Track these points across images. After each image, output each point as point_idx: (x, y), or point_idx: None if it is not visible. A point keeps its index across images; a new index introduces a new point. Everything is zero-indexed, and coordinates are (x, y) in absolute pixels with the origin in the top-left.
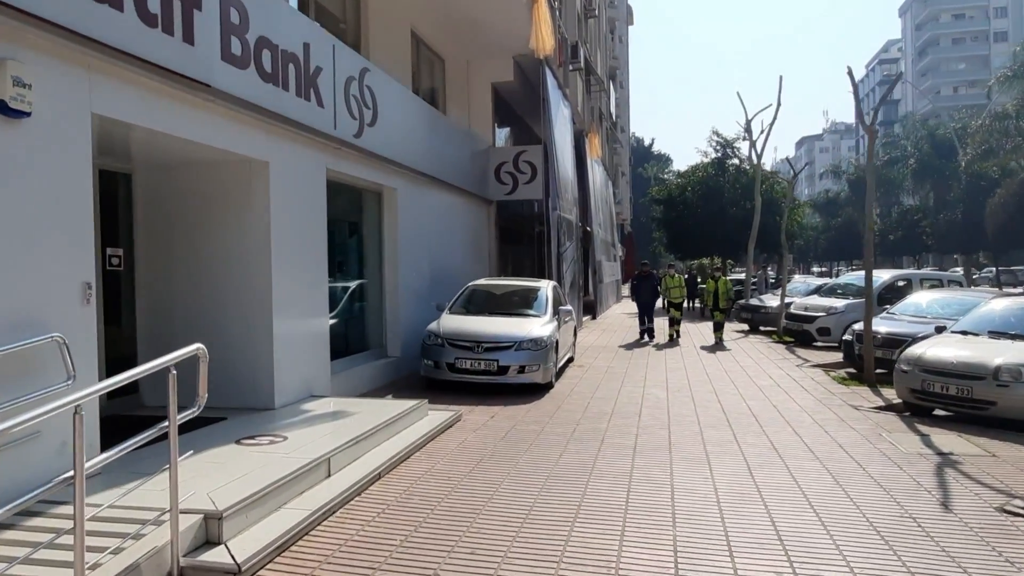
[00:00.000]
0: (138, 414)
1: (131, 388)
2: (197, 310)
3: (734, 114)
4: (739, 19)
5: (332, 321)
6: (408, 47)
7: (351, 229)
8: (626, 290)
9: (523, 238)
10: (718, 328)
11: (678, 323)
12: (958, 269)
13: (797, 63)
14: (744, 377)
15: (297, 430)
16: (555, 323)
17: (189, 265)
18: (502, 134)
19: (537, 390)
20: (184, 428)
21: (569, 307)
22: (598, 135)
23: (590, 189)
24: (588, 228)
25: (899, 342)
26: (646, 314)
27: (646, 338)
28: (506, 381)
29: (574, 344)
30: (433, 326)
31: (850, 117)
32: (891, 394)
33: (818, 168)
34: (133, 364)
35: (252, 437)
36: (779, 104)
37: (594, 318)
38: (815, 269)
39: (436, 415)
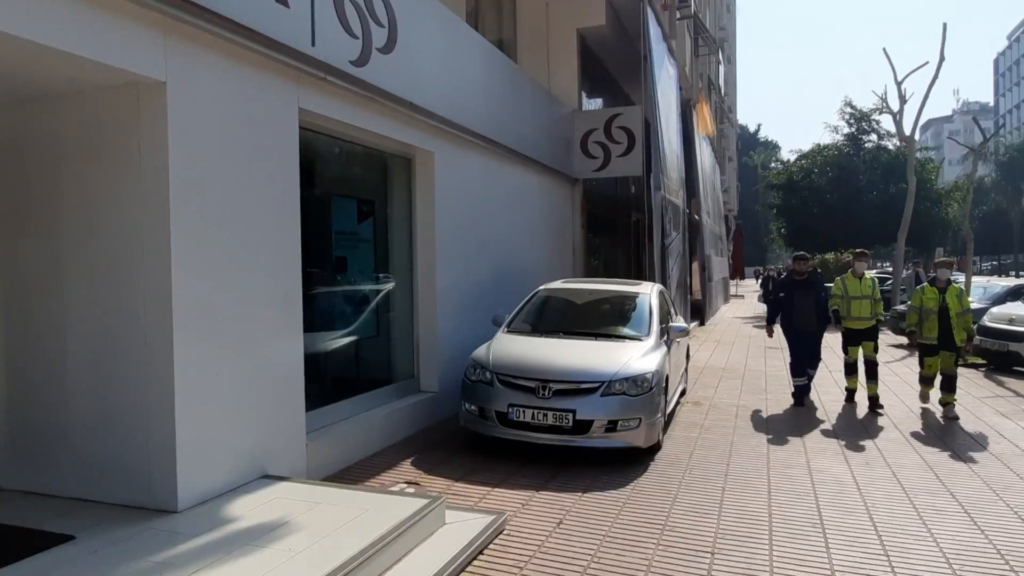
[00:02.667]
0: None
1: None
2: (49, 325)
3: (856, 92)
4: None
5: (332, 343)
6: None
7: (363, 210)
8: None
9: (618, 228)
10: (948, 387)
11: (872, 374)
12: None
13: (916, 38)
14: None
15: None
16: (663, 349)
17: (39, 254)
18: (590, 98)
19: (636, 458)
20: None
21: (682, 323)
22: (708, 107)
23: (698, 170)
24: (696, 216)
25: None
26: (806, 356)
27: (801, 401)
28: (588, 444)
29: (686, 369)
30: (480, 352)
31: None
32: None
33: (946, 153)
34: None
35: None
36: (942, 58)
37: (703, 324)
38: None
39: (459, 525)
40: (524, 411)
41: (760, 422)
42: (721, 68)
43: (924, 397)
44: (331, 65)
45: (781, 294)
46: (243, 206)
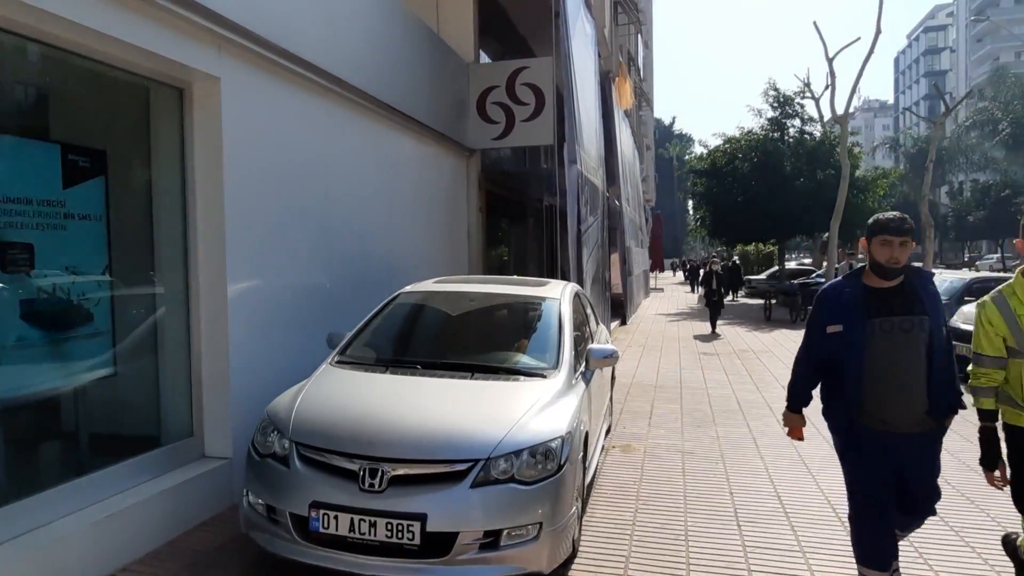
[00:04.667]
0: None
1: None
2: None
3: (783, 81)
4: None
5: (22, 394)
6: None
7: (80, 166)
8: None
9: (527, 213)
10: None
11: None
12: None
13: (810, 43)
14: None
15: None
16: (580, 388)
17: None
18: (492, 58)
19: None
20: None
21: (607, 344)
22: (628, 81)
23: (618, 151)
24: (616, 202)
25: None
26: (904, 502)
27: None
28: None
29: (611, 399)
30: (281, 403)
31: (885, 94)
32: None
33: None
34: None
35: None
36: (878, 31)
37: (624, 323)
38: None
39: None
40: (337, 516)
41: (722, 486)
42: (640, 48)
43: None
44: None
45: (834, 327)
46: None
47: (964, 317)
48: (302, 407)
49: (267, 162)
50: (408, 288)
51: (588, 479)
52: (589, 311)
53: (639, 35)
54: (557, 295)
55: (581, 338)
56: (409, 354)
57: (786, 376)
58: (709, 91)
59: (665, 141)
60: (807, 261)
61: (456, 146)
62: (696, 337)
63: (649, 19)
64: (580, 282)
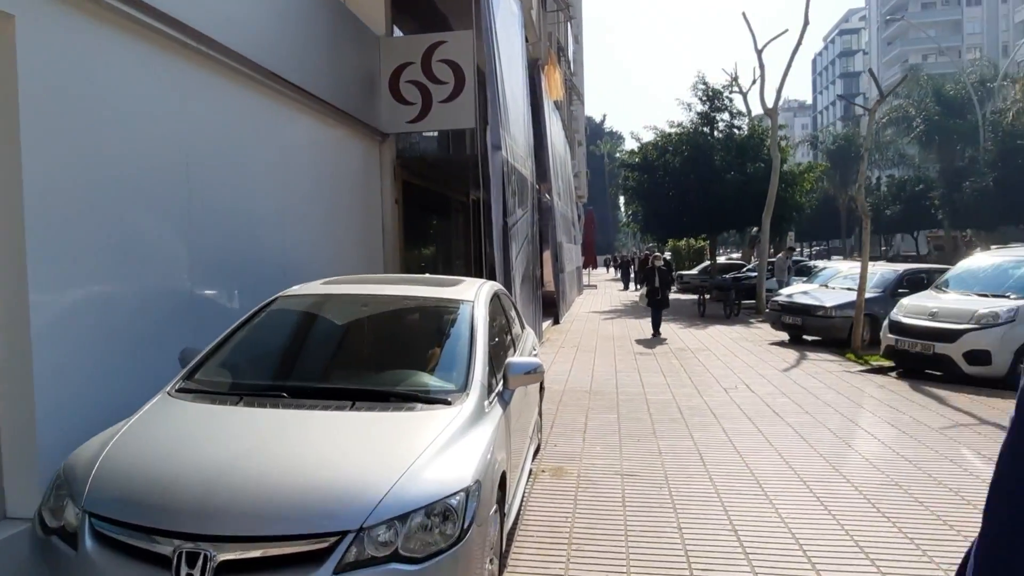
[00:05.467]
0: None
1: None
2: None
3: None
4: None
5: None
6: None
7: None
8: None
9: (452, 207)
10: None
11: None
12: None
13: (737, 38)
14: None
15: None
16: (496, 416)
17: None
18: (405, 32)
19: None
20: None
21: (529, 358)
22: (558, 70)
23: (548, 144)
24: (547, 197)
25: None
26: None
27: None
28: None
29: (540, 413)
30: (84, 455)
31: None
32: None
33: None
34: None
35: None
36: (806, 22)
37: (557, 322)
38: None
39: None
40: None
41: (668, 517)
42: (571, 42)
43: None
44: None
45: None
46: None
47: (905, 310)
48: (107, 461)
49: (96, 132)
50: (288, 291)
51: (509, 525)
52: (513, 314)
53: (568, 25)
54: (470, 297)
55: (501, 348)
56: (276, 377)
57: (726, 377)
58: (641, 88)
59: (596, 138)
60: (735, 256)
61: (367, 129)
62: (633, 337)
63: (579, 14)
64: (508, 281)
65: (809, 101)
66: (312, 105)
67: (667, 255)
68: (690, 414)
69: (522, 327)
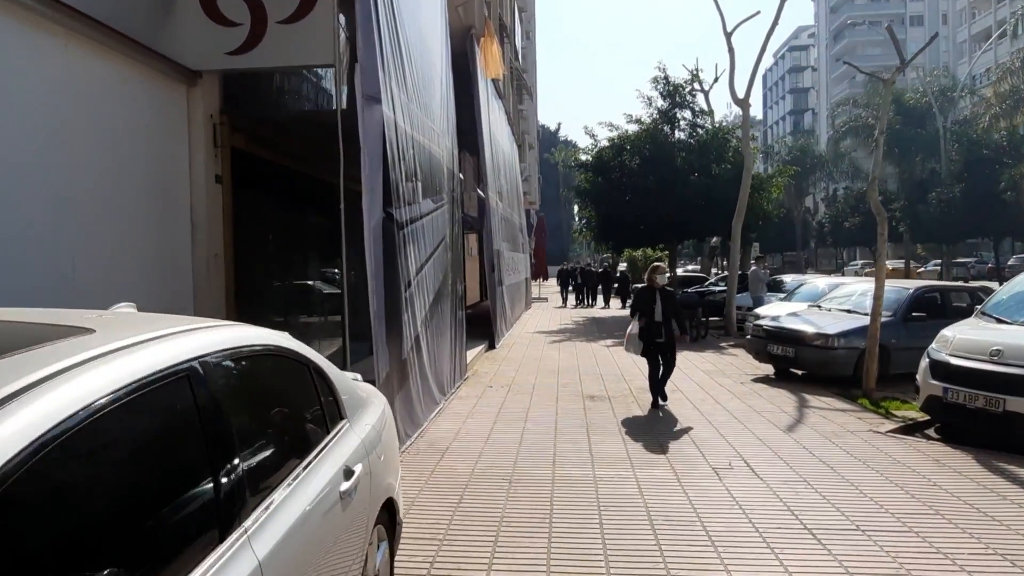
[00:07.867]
0: None
1: None
2: None
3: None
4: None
5: None
6: None
7: None
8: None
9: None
10: None
11: None
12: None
13: (687, 51)
14: None
15: None
16: None
17: None
18: None
19: None
20: None
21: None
22: (495, 41)
23: (485, 129)
24: (483, 194)
25: None
26: None
27: None
28: None
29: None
30: None
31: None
32: None
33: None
34: None
35: None
36: (778, 16)
37: (493, 347)
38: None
39: None
40: None
41: None
42: (519, 37)
43: None
44: None
45: None
46: None
47: (954, 347)
48: None
49: None
50: None
51: None
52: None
53: (516, 9)
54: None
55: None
56: None
57: (712, 444)
58: (601, 86)
59: (551, 146)
60: (692, 268)
61: (163, 64)
62: (583, 370)
63: (531, 11)
64: (394, 308)
65: (759, 116)
66: (60, 20)
67: (622, 266)
68: (666, 528)
69: (340, 414)
